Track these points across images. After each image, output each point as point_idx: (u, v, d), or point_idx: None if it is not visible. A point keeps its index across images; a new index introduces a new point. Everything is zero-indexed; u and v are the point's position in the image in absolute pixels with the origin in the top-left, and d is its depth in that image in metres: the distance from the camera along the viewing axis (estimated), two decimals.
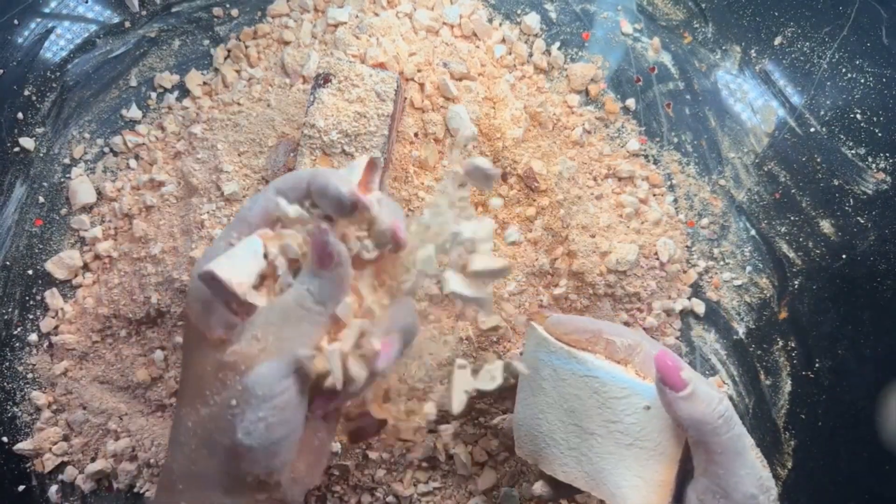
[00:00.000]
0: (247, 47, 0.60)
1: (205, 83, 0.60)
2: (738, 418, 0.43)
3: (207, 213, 0.54)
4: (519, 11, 0.62)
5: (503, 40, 0.60)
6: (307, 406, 0.38)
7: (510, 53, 0.60)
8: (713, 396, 0.41)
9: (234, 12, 0.61)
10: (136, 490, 0.59)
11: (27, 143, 0.60)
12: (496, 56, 0.60)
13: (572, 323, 0.48)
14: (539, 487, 0.50)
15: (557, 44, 0.62)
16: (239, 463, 0.36)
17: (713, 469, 0.41)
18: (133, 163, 0.60)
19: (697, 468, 0.43)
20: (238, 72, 0.59)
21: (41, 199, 0.60)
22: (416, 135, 0.56)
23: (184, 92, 0.61)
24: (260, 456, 0.36)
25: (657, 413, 0.43)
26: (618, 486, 0.44)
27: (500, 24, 0.61)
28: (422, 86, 0.56)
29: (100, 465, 0.58)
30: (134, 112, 0.61)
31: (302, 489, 0.40)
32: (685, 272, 0.61)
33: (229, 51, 0.60)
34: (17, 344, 0.60)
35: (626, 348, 0.46)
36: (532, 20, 0.61)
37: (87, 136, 0.61)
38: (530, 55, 0.61)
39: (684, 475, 0.45)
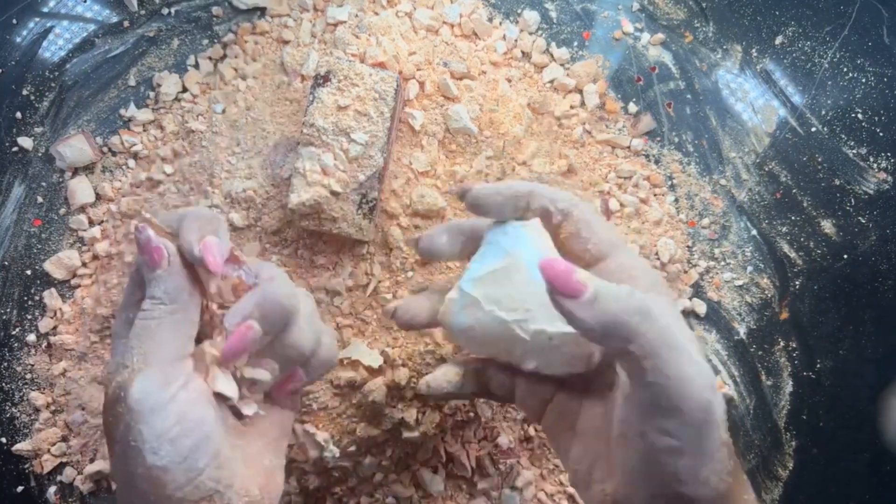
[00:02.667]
0: (245, 44, 0.60)
1: (204, 82, 0.60)
2: (668, 307, 0.34)
3: None
4: (519, 11, 0.62)
5: (503, 38, 0.60)
6: (219, 411, 0.36)
7: (510, 52, 0.60)
8: (620, 290, 0.32)
9: (233, 11, 0.61)
10: None
11: (26, 142, 0.60)
12: (497, 55, 0.59)
13: (498, 188, 0.39)
14: (443, 375, 0.43)
15: (557, 42, 0.61)
16: (164, 489, 0.33)
17: (647, 382, 0.32)
18: (132, 162, 0.60)
19: (630, 394, 0.34)
20: (237, 70, 0.59)
21: (39, 199, 0.60)
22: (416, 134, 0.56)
23: (182, 91, 0.60)
24: (180, 474, 0.34)
25: None
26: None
27: (501, 23, 0.61)
28: (422, 85, 0.56)
29: (99, 465, 0.58)
30: (133, 112, 0.60)
31: None
32: (686, 272, 0.60)
33: (228, 50, 0.60)
34: (16, 344, 0.59)
35: (558, 212, 0.39)
36: (531, 18, 0.61)
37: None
38: (531, 54, 0.61)
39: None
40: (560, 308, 0.33)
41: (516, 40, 0.60)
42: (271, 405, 0.41)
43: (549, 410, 0.41)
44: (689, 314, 0.60)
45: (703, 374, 0.32)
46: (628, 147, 0.61)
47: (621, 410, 0.35)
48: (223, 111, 0.57)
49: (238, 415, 0.39)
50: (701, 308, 0.60)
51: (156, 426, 0.34)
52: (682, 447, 0.32)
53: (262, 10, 0.61)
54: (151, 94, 0.61)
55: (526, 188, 0.39)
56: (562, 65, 0.61)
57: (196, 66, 0.61)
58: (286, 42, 0.58)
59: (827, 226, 0.59)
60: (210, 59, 0.61)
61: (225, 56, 0.60)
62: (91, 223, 0.60)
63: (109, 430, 0.35)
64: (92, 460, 0.59)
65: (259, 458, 0.38)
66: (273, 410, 0.41)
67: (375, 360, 0.52)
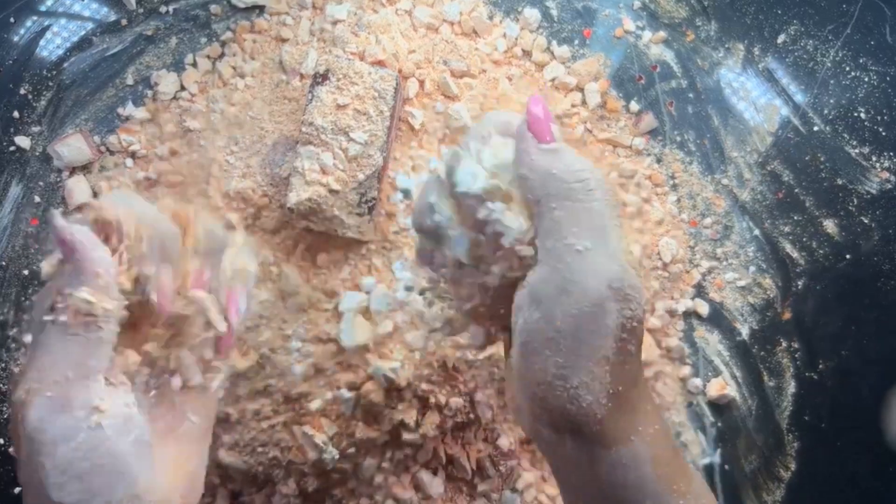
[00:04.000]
0: (244, 42, 0.59)
1: (202, 81, 0.60)
2: (611, 198, 0.33)
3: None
4: (520, 9, 0.61)
5: (504, 36, 0.60)
6: (139, 423, 0.32)
7: (510, 50, 0.60)
8: (582, 162, 0.32)
9: (232, 10, 0.61)
10: None
11: (23, 141, 0.59)
12: (497, 53, 0.59)
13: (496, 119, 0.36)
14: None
15: (558, 41, 0.61)
16: None
17: (554, 251, 0.31)
18: (129, 162, 0.60)
19: (539, 258, 0.32)
20: (235, 69, 0.58)
21: (37, 199, 0.60)
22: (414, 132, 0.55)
23: (181, 90, 0.60)
24: None
25: None
26: None
27: (501, 21, 0.61)
28: (422, 83, 0.56)
29: None
30: (131, 110, 0.60)
31: None
32: (688, 272, 0.60)
33: (226, 48, 0.60)
34: (13, 345, 0.59)
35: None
36: (532, 16, 0.60)
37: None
38: (531, 52, 0.60)
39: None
40: (521, 143, 0.33)
41: (517, 38, 0.60)
42: (196, 395, 0.37)
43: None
44: (690, 315, 0.60)
45: (607, 267, 0.30)
46: (630, 146, 0.61)
47: (517, 297, 0.33)
48: (221, 110, 0.56)
49: (161, 418, 0.35)
50: (703, 308, 0.60)
51: (60, 460, 0.29)
52: (558, 340, 0.30)
53: (260, 9, 0.61)
54: (149, 92, 0.60)
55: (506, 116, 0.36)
56: (563, 63, 0.61)
57: (194, 64, 0.60)
58: (285, 40, 0.58)
59: (829, 226, 0.59)
60: (208, 57, 0.60)
61: (223, 55, 0.60)
62: None
63: (16, 448, 0.31)
64: None
65: (183, 462, 0.35)
66: (197, 402, 0.37)
67: (395, 374, 0.51)
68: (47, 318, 0.31)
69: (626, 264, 0.31)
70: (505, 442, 0.57)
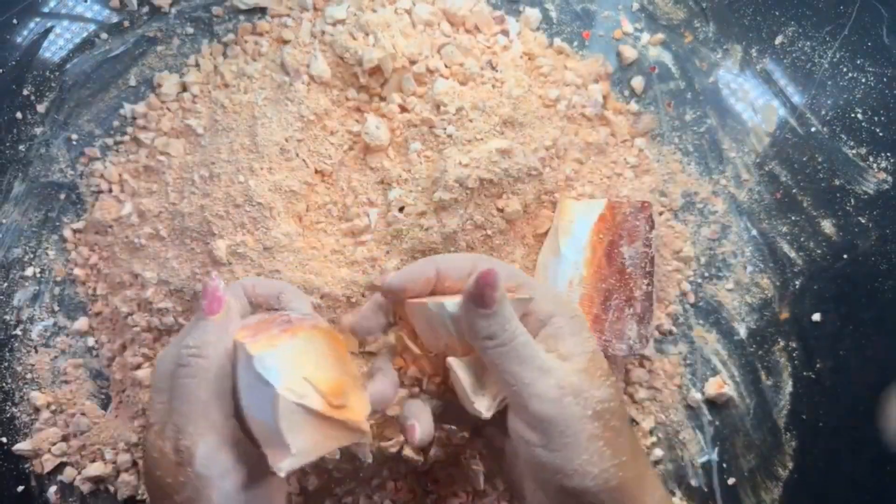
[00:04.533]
0: (245, 43, 0.60)
1: (204, 82, 0.60)
2: (520, 328, 0.39)
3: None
4: (520, 10, 0.62)
5: (505, 34, 0.59)
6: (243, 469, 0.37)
7: (510, 47, 0.60)
8: (507, 316, 0.38)
9: (234, 11, 0.61)
10: (137, 498, 0.58)
11: (26, 143, 0.60)
12: (498, 48, 0.59)
13: (410, 275, 0.43)
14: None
15: (557, 41, 0.61)
16: None
17: (508, 388, 0.38)
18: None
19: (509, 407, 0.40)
20: (237, 70, 0.59)
21: (38, 199, 0.60)
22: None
23: (182, 91, 0.60)
24: None
25: None
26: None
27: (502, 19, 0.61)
28: (421, 80, 0.56)
29: (98, 469, 0.58)
30: (133, 112, 0.60)
31: None
32: (686, 272, 0.60)
33: (228, 50, 0.60)
34: (16, 344, 0.59)
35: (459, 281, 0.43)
36: (533, 14, 0.61)
37: (85, 135, 0.61)
38: (531, 49, 0.60)
39: None
40: (464, 305, 0.38)
41: (518, 33, 0.60)
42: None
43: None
44: (689, 314, 0.60)
45: (548, 377, 0.37)
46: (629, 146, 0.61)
47: (509, 421, 0.40)
48: (223, 111, 0.57)
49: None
50: (701, 308, 0.60)
51: (225, 491, 0.35)
52: (545, 441, 0.37)
53: (262, 10, 0.61)
54: (151, 94, 0.61)
55: (427, 268, 0.42)
56: (568, 55, 0.61)
57: (196, 65, 0.61)
58: (286, 42, 0.58)
59: (827, 226, 0.59)
60: (210, 58, 0.61)
61: (225, 56, 0.60)
62: None
63: (166, 492, 0.36)
64: (92, 461, 0.59)
65: None
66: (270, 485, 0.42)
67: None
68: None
69: (559, 365, 0.38)
70: None
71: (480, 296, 0.37)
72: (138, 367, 0.58)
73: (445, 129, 0.54)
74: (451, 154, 0.53)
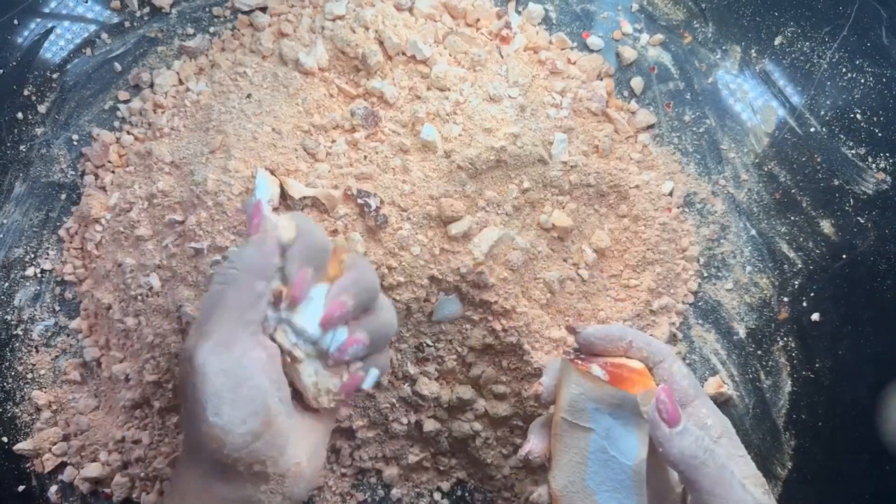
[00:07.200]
0: (243, 37, 0.60)
1: (202, 78, 0.60)
2: (731, 450, 0.43)
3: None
4: (521, 10, 0.62)
5: (507, 26, 0.59)
6: (280, 386, 0.39)
7: (512, 39, 0.60)
8: (696, 430, 0.41)
9: (234, 12, 0.61)
10: (133, 499, 0.58)
11: (26, 144, 0.60)
12: (499, 37, 0.59)
13: (606, 332, 0.47)
14: (538, 496, 0.48)
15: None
16: (223, 449, 0.37)
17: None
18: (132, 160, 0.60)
19: None
20: (235, 65, 0.58)
21: (40, 199, 0.60)
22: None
23: (182, 88, 0.60)
24: (237, 437, 0.37)
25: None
26: None
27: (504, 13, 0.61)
28: (423, 75, 0.55)
29: (95, 470, 0.58)
30: (132, 111, 0.60)
31: (306, 485, 0.40)
32: (685, 272, 0.60)
33: (226, 44, 0.60)
34: (17, 344, 0.60)
35: (649, 358, 0.46)
36: (535, 10, 0.61)
37: (86, 135, 0.61)
38: (535, 43, 0.60)
39: None
40: (656, 431, 0.41)
41: (520, 26, 0.60)
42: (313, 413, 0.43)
43: None
44: (688, 313, 0.60)
45: (745, 501, 0.40)
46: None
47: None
48: (222, 105, 0.56)
49: (296, 397, 0.42)
50: (700, 308, 0.60)
51: (218, 388, 0.36)
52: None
53: (262, 11, 0.61)
54: (151, 93, 0.61)
55: (625, 336, 0.46)
56: (570, 48, 0.61)
57: (196, 66, 0.61)
58: (285, 35, 0.58)
59: (826, 226, 0.59)
60: (209, 55, 0.61)
61: (224, 51, 0.60)
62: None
63: (181, 388, 0.39)
64: (92, 460, 0.59)
65: (310, 433, 0.42)
66: (317, 416, 0.43)
67: None
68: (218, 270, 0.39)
69: (759, 491, 0.42)
70: None
71: (667, 410, 0.40)
72: (122, 360, 0.57)
73: (451, 114, 0.54)
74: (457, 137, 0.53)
